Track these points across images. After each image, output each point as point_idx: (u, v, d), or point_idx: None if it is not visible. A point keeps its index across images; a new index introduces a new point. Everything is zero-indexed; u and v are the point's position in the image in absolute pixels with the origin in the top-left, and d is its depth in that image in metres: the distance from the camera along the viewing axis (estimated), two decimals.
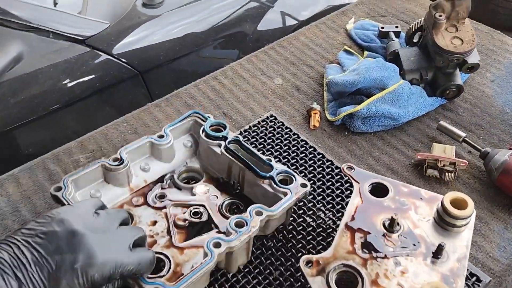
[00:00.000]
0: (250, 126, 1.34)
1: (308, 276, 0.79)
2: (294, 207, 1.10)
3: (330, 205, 1.12)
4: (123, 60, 1.74)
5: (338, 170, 1.14)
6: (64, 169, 1.24)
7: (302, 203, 1.12)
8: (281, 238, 1.04)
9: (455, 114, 1.38)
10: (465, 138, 1.25)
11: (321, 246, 1.03)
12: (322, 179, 1.19)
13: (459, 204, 0.85)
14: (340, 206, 1.11)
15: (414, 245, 0.83)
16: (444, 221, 0.85)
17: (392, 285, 0.78)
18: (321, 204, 1.12)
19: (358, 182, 0.92)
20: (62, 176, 1.21)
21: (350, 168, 0.94)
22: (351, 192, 1.07)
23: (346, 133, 1.34)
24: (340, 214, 1.09)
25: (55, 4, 1.99)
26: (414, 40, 1.50)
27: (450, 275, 0.80)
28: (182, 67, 1.88)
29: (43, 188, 1.19)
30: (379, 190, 0.91)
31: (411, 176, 1.23)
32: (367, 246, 0.83)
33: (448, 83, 1.36)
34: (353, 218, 0.87)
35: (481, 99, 1.44)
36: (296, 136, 1.31)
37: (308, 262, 0.81)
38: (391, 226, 0.85)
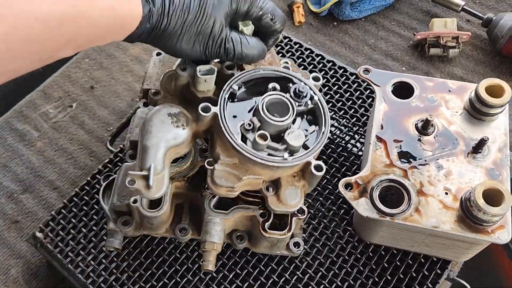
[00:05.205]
0: None
1: (351, 200, 0.73)
2: None
3: (342, 113, 1.01)
4: None
5: (342, 70, 1.02)
6: (35, 126, 1.08)
7: None
8: None
9: None
10: (464, 7, 1.15)
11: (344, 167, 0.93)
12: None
13: (493, 91, 0.78)
14: (350, 110, 1.01)
15: (453, 143, 0.77)
16: (478, 112, 0.79)
17: (438, 191, 0.74)
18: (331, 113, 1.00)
19: (379, 86, 0.83)
20: (35, 134, 1.08)
21: (367, 71, 0.84)
22: (357, 96, 0.98)
23: (335, 23, 1.22)
24: (351, 121, 1.00)
25: None
26: None
27: (495, 168, 0.76)
28: None
29: (18, 152, 1.05)
30: (402, 90, 0.83)
31: (413, 59, 1.15)
32: (405, 155, 0.77)
33: None
34: (382, 127, 0.79)
35: None
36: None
37: (348, 185, 0.74)
38: (424, 128, 0.78)
